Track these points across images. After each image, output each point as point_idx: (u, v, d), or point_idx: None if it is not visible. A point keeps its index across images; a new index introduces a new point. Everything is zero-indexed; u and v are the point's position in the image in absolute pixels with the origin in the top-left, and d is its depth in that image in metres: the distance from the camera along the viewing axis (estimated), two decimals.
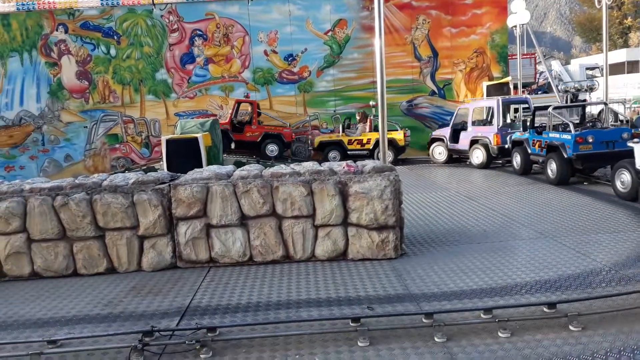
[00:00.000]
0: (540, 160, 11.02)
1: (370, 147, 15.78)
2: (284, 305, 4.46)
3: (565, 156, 9.85)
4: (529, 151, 11.37)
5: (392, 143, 14.99)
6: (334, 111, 17.87)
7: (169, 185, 5.81)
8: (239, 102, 16.89)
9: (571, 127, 10.08)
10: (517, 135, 12.20)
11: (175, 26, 17.87)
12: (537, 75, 24.59)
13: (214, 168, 6.42)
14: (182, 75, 18.03)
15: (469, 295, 4.44)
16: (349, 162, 6.19)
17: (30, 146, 17.82)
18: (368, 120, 16.25)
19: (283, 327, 3.97)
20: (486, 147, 13.62)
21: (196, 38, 17.95)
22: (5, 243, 5.69)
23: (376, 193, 5.56)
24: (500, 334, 3.61)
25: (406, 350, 3.49)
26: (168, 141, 11.53)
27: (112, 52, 17.83)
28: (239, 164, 13.43)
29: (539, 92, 22.68)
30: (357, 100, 18.00)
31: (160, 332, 3.90)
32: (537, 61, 23.38)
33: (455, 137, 14.96)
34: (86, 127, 17.37)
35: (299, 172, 5.88)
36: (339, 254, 5.70)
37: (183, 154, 11.26)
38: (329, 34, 18.10)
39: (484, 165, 13.64)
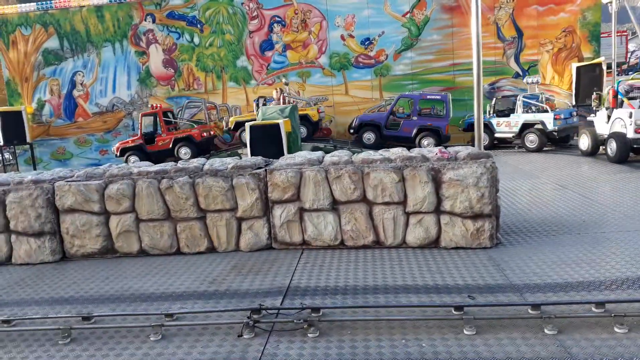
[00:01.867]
0: None
1: None
2: (381, 290, 4.53)
3: None
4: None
5: (306, 118, 15.45)
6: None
7: (265, 170, 6.02)
8: (143, 115, 17.05)
9: None
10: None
11: (255, 13, 18.27)
12: (629, 55, 22.78)
13: (305, 154, 6.57)
14: (262, 62, 18.45)
15: (575, 288, 4.28)
16: (442, 148, 6.10)
17: (121, 131, 19.07)
18: (282, 97, 15.93)
19: (384, 311, 4.04)
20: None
21: (275, 24, 18.26)
22: (116, 222, 6.17)
23: (472, 180, 5.45)
24: (616, 330, 3.46)
25: (515, 341, 3.44)
26: (251, 127, 11.90)
27: (196, 40, 18.57)
28: (315, 149, 13.66)
29: (630, 73, 21.01)
30: (436, 83, 17.59)
31: (268, 311, 4.10)
32: (628, 39, 21.65)
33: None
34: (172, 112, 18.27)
35: (389, 159, 5.88)
36: (431, 241, 5.67)
37: (265, 140, 11.60)
38: (407, 15, 17.75)
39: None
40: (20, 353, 3.80)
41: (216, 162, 6.28)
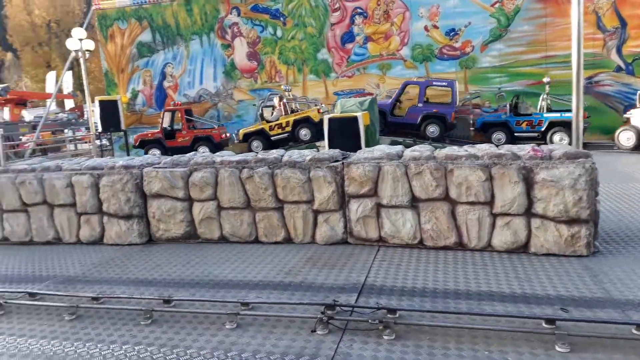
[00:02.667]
0: None
1: (290, 129, 15.92)
2: (463, 295, 4.27)
3: None
4: None
5: (308, 120, 15.65)
6: (499, 89, 16.67)
7: (342, 163, 5.92)
8: (167, 110, 17.61)
9: None
10: None
11: (337, 5, 18.19)
12: None
13: (384, 148, 6.38)
14: (342, 54, 18.36)
15: None
16: (535, 145, 5.66)
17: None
18: (282, 104, 16.21)
19: (466, 318, 3.79)
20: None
21: (356, 16, 18.08)
22: (199, 209, 6.36)
23: (568, 182, 5.00)
24: None
25: None
26: (330, 120, 11.84)
27: (279, 33, 18.84)
28: (394, 143, 13.36)
29: None
30: (526, 76, 16.58)
31: (342, 307, 4.00)
32: None
33: None
34: (254, 105, 18.72)
35: (476, 155, 5.55)
36: (520, 246, 5.29)
37: (343, 132, 11.50)
38: (497, 5, 16.84)
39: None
40: (105, 330, 3.98)
41: (295, 154, 6.27)
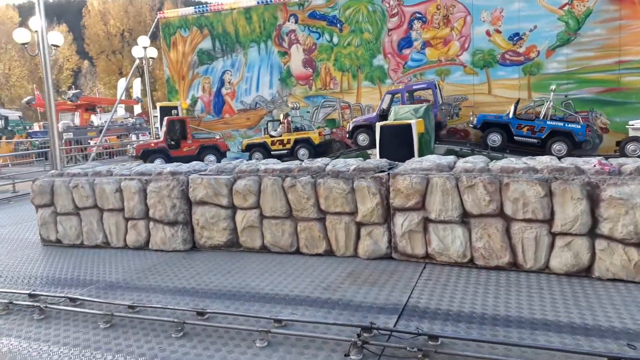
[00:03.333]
0: None
1: (290, 147, 16.65)
2: (514, 323, 3.87)
3: None
4: None
5: (308, 141, 16.48)
6: (565, 96, 15.70)
7: (388, 174, 5.63)
8: (170, 120, 17.68)
9: None
10: None
11: (395, 10, 17.86)
12: None
13: (434, 158, 6.03)
14: (398, 60, 18.00)
15: None
16: (602, 159, 5.13)
17: (262, 128, 20.05)
18: (286, 121, 17.06)
19: (517, 350, 3.41)
20: None
21: (415, 21, 17.67)
22: (242, 217, 6.27)
23: None
24: None
25: None
26: (382, 127, 11.56)
27: (335, 39, 18.75)
28: (450, 153, 12.83)
29: None
30: (596, 83, 15.51)
31: (379, 331, 3.72)
32: None
33: None
34: (309, 111, 18.72)
35: (535, 168, 5.10)
36: (581, 269, 4.78)
37: (396, 141, 11.19)
38: (566, 8, 15.89)
39: None
40: (137, 342, 3.92)
41: (339, 163, 6.05)
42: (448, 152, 13.05)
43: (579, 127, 13.63)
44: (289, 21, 19.54)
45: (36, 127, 33.04)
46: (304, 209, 5.93)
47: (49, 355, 3.79)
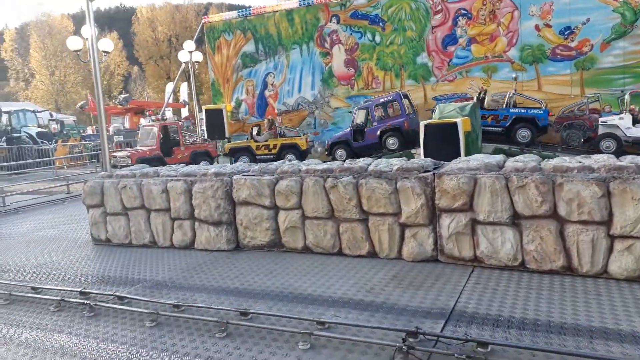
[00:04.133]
0: None
1: (276, 152, 16.58)
2: (570, 331, 3.65)
3: None
4: None
5: (295, 147, 16.64)
6: (622, 91, 14.89)
7: (434, 174, 5.47)
8: (163, 127, 17.18)
9: None
10: None
11: (439, 7, 17.49)
12: None
13: (482, 157, 5.81)
14: (443, 57, 17.61)
15: None
16: None
17: (304, 129, 20.10)
18: (273, 127, 17.20)
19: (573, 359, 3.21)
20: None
21: (460, 17, 17.24)
22: (284, 217, 6.26)
23: None
24: None
25: None
26: (426, 126, 11.31)
27: (377, 39, 18.55)
28: (498, 152, 12.41)
29: None
30: None
31: (425, 336, 3.60)
32: None
33: None
34: (350, 112, 18.60)
35: (591, 167, 4.81)
36: None
37: (441, 140, 10.90)
38: None
39: None
40: (181, 341, 3.96)
41: (382, 163, 5.93)
42: (496, 151, 12.62)
43: (541, 112, 14.35)
44: (330, 22, 19.49)
45: (89, 131, 34.50)
46: (345, 209, 5.85)
47: (98, 352, 3.88)
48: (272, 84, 20.98)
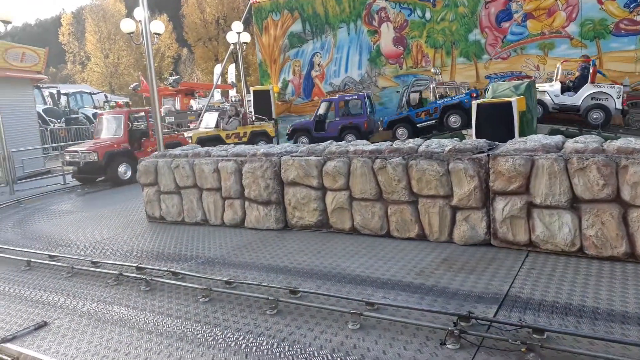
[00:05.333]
0: None
1: (247, 140, 16.04)
2: (633, 320, 3.48)
3: None
4: None
5: (265, 134, 16.91)
6: None
7: (488, 155, 5.29)
8: (130, 113, 14.45)
9: None
10: None
11: None
12: None
13: (539, 138, 5.56)
14: (497, 34, 16.89)
15: None
16: None
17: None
18: (242, 114, 17.08)
19: (637, 351, 3.05)
20: None
21: None
22: (332, 198, 6.26)
23: None
24: None
25: None
26: (479, 106, 10.94)
27: (427, 15, 18.01)
28: (554, 132, 11.87)
29: None
30: None
31: (478, 320, 3.52)
32: None
33: None
34: (398, 91, 18.25)
35: None
36: None
37: (494, 120, 10.53)
38: None
39: None
40: (233, 316, 4.06)
41: (433, 144, 5.79)
42: (552, 132, 12.07)
43: (464, 96, 15.13)
44: None
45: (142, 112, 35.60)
46: (394, 191, 5.78)
47: (154, 324, 4.03)
48: (318, 64, 20.84)
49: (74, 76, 58.20)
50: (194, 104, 29.32)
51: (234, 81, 34.76)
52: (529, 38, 16.42)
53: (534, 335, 3.28)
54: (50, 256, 6.19)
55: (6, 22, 13.91)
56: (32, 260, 6.10)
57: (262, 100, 19.38)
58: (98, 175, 13.12)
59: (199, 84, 36.34)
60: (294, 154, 6.70)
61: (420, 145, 5.85)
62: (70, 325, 4.18)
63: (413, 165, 5.59)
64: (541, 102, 13.77)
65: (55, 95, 30.41)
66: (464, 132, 13.78)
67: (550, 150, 5.04)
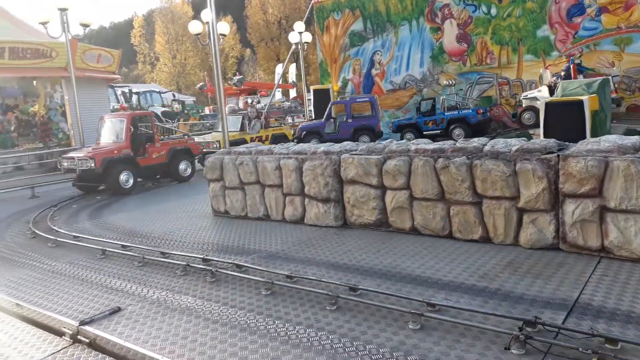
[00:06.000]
0: None
1: (268, 143, 15.52)
2: None
3: None
4: None
5: (284, 137, 16.59)
6: None
7: (558, 155, 5.07)
8: (133, 116, 12.99)
9: None
10: None
11: None
12: None
13: (614, 138, 5.25)
14: (567, 30, 16.13)
15: None
16: None
17: (411, 108, 19.68)
18: (263, 117, 16.73)
19: None
20: None
21: None
22: (391, 197, 6.23)
23: None
24: None
25: None
26: (548, 104, 10.49)
27: (493, 11, 17.47)
28: (630, 133, 11.16)
29: None
30: None
31: (545, 326, 3.40)
32: None
33: None
34: (461, 89, 17.84)
35: None
36: None
37: (564, 119, 10.06)
38: None
39: None
40: (294, 310, 4.14)
41: (499, 143, 5.63)
42: (628, 132, 11.37)
43: (470, 111, 16.09)
44: None
45: (207, 111, 36.84)
46: (457, 191, 5.66)
47: (219, 314, 4.19)
48: (379, 62, 20.76)
49: (143, 76, 61.12)
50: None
51: (295, 80, 35.22)
52: (603, 33, 15.54)
53: (607, 345, 3.12)
54: (122, 246, 6.57)
55: (85, 26, 14.88)
56: (107, 249, 6.51)
57: (322, 99, 19.56)
58: (97, 184, 12.06)
59: (261, 84, 37.13)
60: (353, 152, 6.72)
61: (485, 145, 5.70)
62: (142, 311, 4.43)
63: (478, 165, 5.45)
64: (534, 109, 14.66)
65: (127, 94, 32.09)
66: (531, 132, 13.27)
67: (627, 152, 4.76)
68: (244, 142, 13.91)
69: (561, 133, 8.86)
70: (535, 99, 14.75)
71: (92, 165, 11.43)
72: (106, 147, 12.10)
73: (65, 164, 12.21)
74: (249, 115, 16.40)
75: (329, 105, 17.82)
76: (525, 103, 15.51)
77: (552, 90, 14.23)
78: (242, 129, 15.96)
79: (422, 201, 5.98)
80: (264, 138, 16.48)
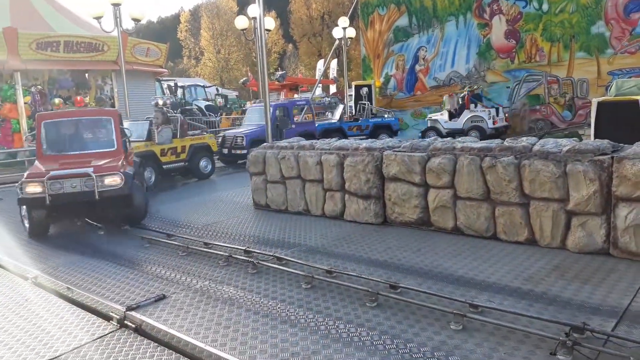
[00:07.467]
0: None
1: (186, 157, 12.28)
2: None
3: None
4: None
5: (207, 149, 12.92)
6: None
7: (612, 157, 4.87)
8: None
9: None
10: None
11: None
12: None
13: None
14: (624, 26, 15.39)
15: None
16: None
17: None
18: (179, 122, 12.36)
19: None
20: None
21: None
22: (434, 196, 6.14)
23: None
24: None
25: None
26: (600, 104, 10.07)
27: (544, 7, 16.87)
28: None
29: None
30: None
31: (594, 333, 3.29)
32: None
33: None
34: (509, 87, 17.34)
35: None
36: None
37: (618, 120, 9.64)
38: None
39: None
40: (334, 305, 4.16)
41: (549, 143, 5.45)
42: None
43: (393, 119, 18.14)
44: None
45: (248, 105, 37.32)
46: (504, 192, 5.53)
47: (260, 306, 4.26)
48: (423, 58, 20.43)
49: (188, 70, 62.49)
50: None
51: (336, 76, 35.19)
52: None
53: None
54: (168, 235, 6.77)
55: (136, 20, 15.33)
56: (152, 238, 6.71)
57: (363, 94, 19.48)
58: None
59: (303, 79, 37.32)
60: (396, 149, 6.67)
61: (534, 144, 5.54)
62: (185, 300, 4.55)
63: (526, 165, 5.30)
64: (435, 129, 16.46)
65: (173, 87, 32.91)
66: (580, 132, 12.80)
67: None
68: (152, 155, 11.37)
69: (615, 134, 8.50)
70: (437, 121, 16.75)
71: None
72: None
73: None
74: (154, 120, 11.90)
75: (272, 108, 13.78)
76: (430, 123, 17.07)
77: (451, 115, 16.47)
78: (150, 138, 11.63)
79: (467, 201, 5.87)
80: (179, 150, 12.17)
